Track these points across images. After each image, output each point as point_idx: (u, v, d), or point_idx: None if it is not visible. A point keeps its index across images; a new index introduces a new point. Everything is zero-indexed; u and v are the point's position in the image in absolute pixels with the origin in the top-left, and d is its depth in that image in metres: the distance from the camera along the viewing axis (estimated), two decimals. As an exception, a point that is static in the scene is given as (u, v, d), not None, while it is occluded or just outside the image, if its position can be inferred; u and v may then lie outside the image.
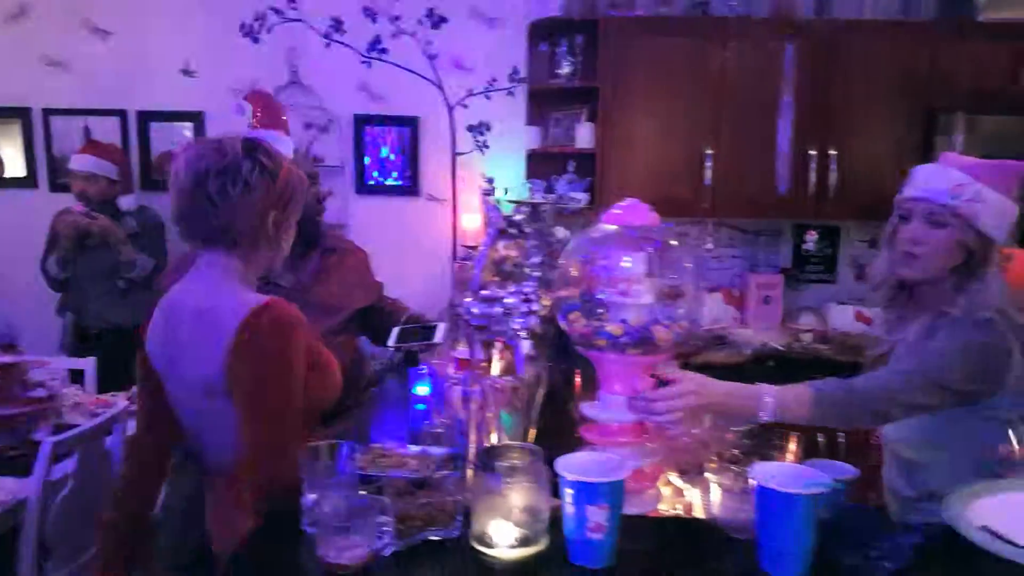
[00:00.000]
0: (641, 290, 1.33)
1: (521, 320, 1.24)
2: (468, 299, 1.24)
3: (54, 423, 2.26)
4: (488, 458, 1.13)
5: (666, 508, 1.39)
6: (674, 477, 1.41)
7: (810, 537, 1.09)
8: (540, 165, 3.42)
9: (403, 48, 3.42)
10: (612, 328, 1.29)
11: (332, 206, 3.29)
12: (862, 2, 3.32)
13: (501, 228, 1.34)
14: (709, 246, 3.46)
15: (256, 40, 3.41)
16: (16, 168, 3.63)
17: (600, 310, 1.37)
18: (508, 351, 1.91)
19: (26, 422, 2.19)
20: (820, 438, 1.61)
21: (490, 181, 3.15)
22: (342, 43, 3.41)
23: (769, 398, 1.35)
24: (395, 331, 1.79)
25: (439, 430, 1.41)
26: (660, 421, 1.34)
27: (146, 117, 3.54)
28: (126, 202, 3.18)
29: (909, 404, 1.40)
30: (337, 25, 3.40)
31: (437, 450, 1.33)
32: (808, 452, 1.74)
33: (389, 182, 3.52)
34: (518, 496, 1.10)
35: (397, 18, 3.39)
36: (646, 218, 1.36)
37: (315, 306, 1.81)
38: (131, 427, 1.94)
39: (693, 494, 1.40)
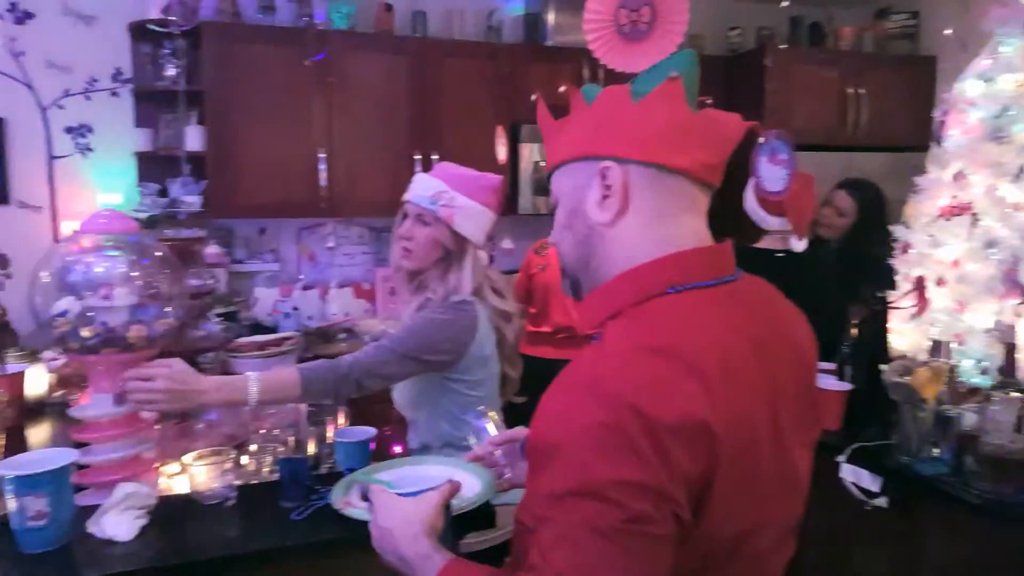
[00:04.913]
0: (121, 293, 1.45)
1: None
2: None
3: None
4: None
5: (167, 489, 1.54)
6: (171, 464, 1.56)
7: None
8: (152, 168, 3.36)
9: (-19, 43, 3.12)
10: (85, 331, 1.39)
11: None
12: (452, 25, 3.76)
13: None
14: (331, 244, 3.67)
15: None
16: None
17: (90, 314, 1.46)
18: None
19: None
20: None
21: None
22: None
23: (254, 387, 1.50)
24: None
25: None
26: (145, 411, 1.47)
27: None
28: None
29: (382, 374, 1.68)
30: None
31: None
32: (355, 420, 2.02)
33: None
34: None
35: (-31, 9, 3.08)
36: (124, 226, 1.48)
37: None
38: None
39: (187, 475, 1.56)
